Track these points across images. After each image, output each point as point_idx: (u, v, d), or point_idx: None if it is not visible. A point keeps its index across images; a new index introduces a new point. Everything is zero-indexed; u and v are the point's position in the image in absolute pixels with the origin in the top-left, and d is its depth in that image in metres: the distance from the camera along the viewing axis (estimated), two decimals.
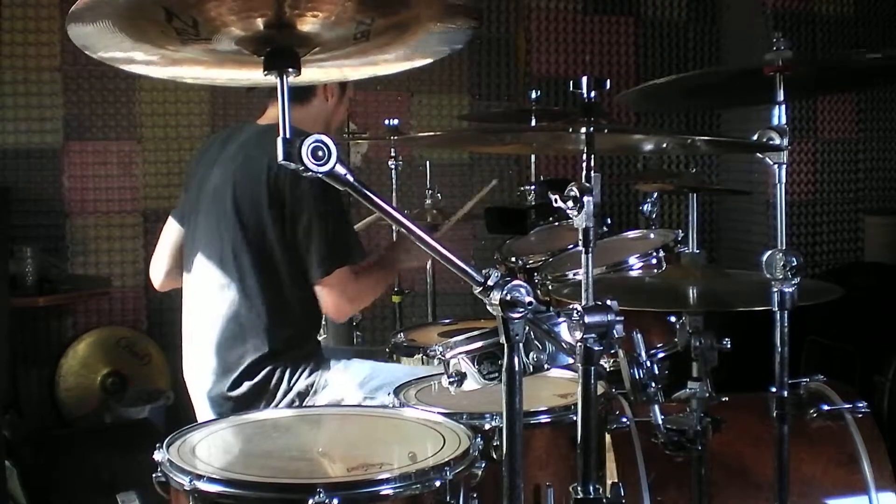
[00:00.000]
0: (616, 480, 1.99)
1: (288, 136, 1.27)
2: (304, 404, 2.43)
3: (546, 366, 1.50)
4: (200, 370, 2.50)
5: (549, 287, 2.77)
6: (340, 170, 1.28)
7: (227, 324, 2.45)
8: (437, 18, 1.32)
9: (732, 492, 2.08)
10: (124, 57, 1.33)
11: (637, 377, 1.89)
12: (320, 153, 1.26)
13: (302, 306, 2.49)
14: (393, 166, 3.69)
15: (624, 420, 2.08)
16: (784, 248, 1.78)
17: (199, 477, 1.53)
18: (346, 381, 2.49)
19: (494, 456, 1.77)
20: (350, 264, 2.45)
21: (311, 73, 1.45)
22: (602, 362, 1.93)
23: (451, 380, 1.58)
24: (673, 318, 2.04)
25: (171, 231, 2.71)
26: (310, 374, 2.48)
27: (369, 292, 2.55)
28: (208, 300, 2.50)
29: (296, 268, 2.44)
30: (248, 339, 2.44)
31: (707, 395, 1.95)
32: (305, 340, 2.53)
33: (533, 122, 3.52)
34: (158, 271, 2.73)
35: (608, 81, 1.58)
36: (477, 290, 1.38)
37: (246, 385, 2.43)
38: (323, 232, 2.39)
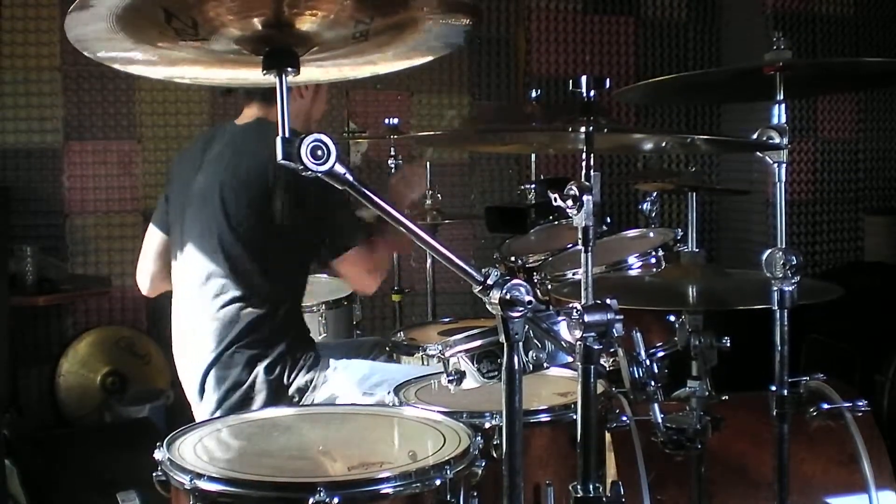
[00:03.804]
0: (616, 479, 1.99)
1: (287, 135, 1.26)
2: (302, 401, 2.43)
3: (546, 364, 1.50)
4: (195, 375, 2.49)
5: (549, 286, 2.77)
6: (340, 169, 1.28)
7: (220, 328, 2.44)
8: (436, 16, 1.32)
9: (732, 491, 2.08)
10: (124, 57, 1.33)
11: (637, 376, 1.89)
12: (319, 152, 1.26)
13: (290, 304, 2.51)
14: (393, 166, 3.69)
15: (624, 419, 2.08)
16: (784, 246, 1.78)
17: (200, 476, 1.53)
18: (344, 378, 2.48)
19: (494, 454, 1.77)
20: (364, 238, 2.53)
21: (311, 73, 1.45)
22: (602, 361, 1.93)
23: (451, 378, 1.58)
24: (672, 317, 2.03)
25: (153, 238, 2.72)
26: (308, 372, 2.47)
27: (386, 259, 2.72)
28: (199, 305, 2.48)
29: (288, 263, 2.46)
30: (241, 341, 2.43)
31: (707, 393, 1.95)
32: (294, 339, 2.52)
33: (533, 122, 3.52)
34: (144, 278, 2.75)
35: (608, 80, 1.58)
36: (476, 289, 1.38)
37: (243, 388, 2.42)
38: (337, 214, 2.46)
